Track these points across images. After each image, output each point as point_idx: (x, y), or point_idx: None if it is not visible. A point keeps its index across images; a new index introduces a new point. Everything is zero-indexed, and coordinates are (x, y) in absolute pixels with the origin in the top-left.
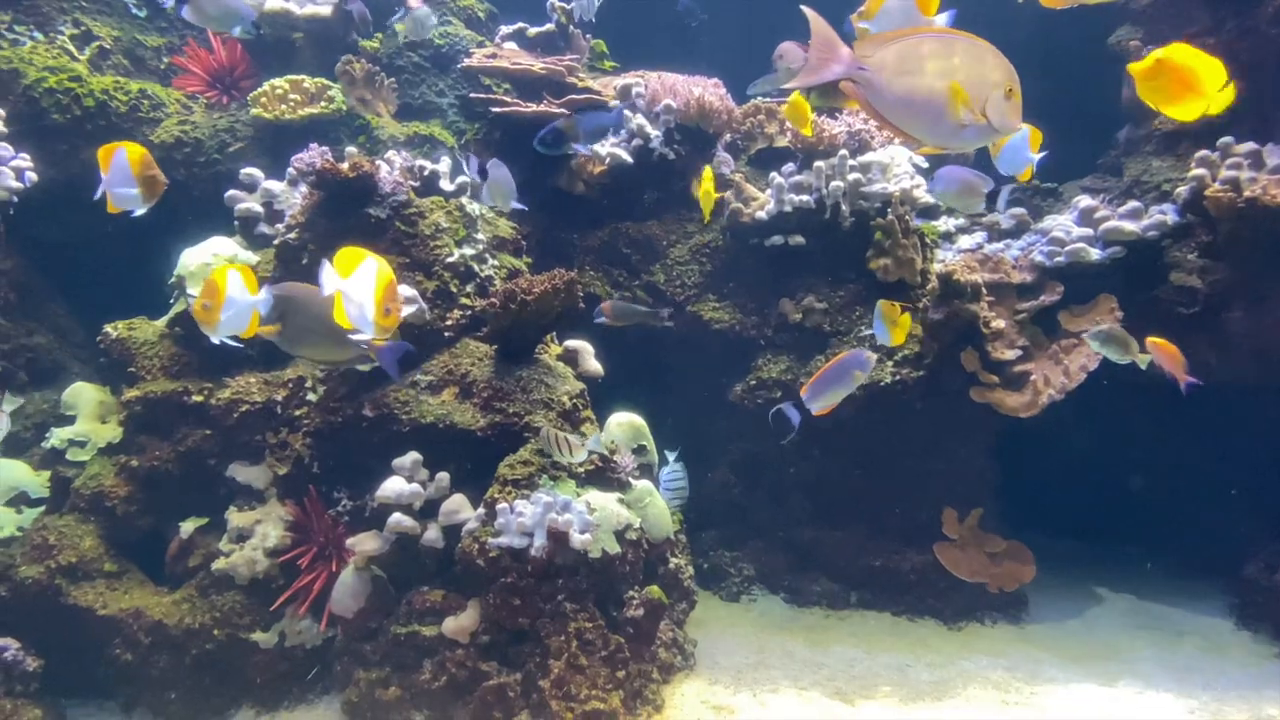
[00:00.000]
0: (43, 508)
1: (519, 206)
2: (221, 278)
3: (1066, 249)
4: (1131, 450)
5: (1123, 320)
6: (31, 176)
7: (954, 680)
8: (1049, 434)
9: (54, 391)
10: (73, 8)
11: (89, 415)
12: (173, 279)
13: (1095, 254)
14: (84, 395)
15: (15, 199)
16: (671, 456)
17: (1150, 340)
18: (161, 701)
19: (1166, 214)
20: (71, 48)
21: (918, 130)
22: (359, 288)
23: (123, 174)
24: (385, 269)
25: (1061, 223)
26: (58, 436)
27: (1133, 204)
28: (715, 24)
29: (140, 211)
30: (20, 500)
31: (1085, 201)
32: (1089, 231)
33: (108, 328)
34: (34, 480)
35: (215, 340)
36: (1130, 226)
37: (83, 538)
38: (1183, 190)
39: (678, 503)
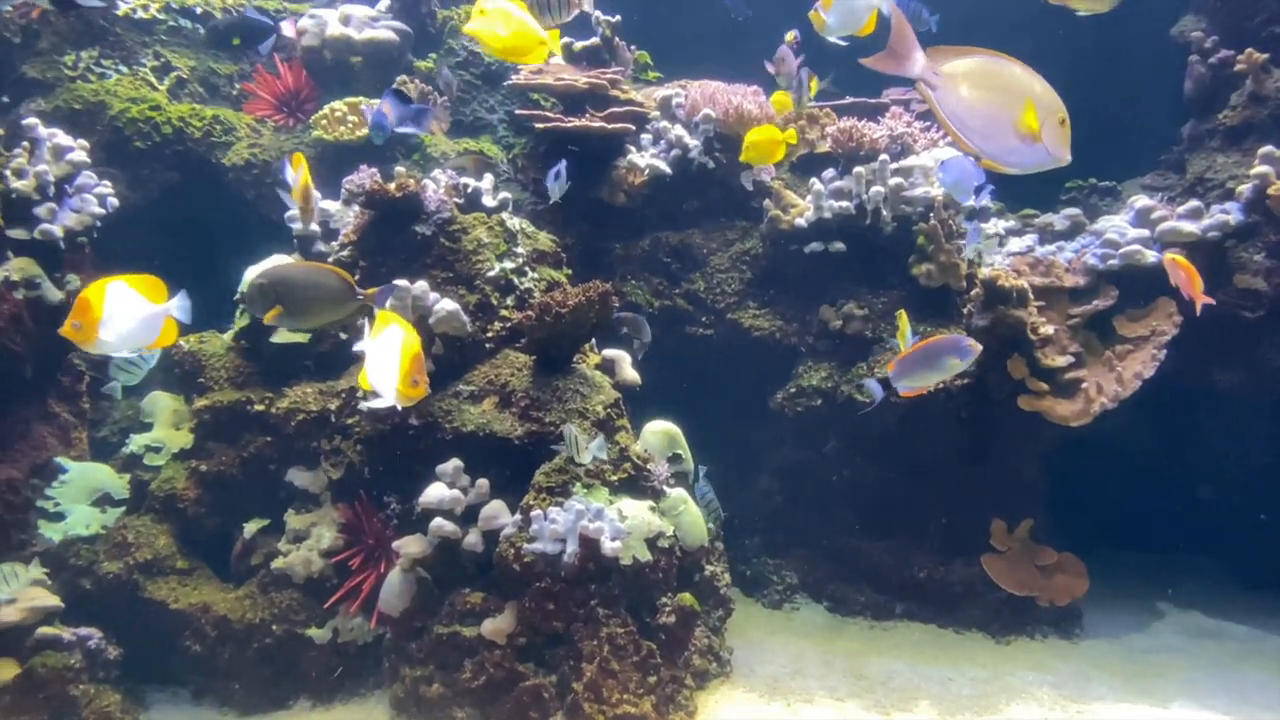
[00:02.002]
0: (124, 508)
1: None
2: (96, 294)
3: (1121, 251)
4: (1200, 458)
5: (1183, 325)
6: (113, 202)
7: (996, 695)
8: (1114, 441)
9: (139, 398)
10: (154, 41)
11: (164, 422)
12: (237, 295)
13: (1152, 256)
14: (160, 403)
15: (99, 223)
16: (702, 473)
17: (1168, 257)
18: (228, 691)
19: (1230, 213)
20: (152, 79)
21: (979, 140)
22: (385, 356)
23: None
24: (413, 341)
25: (1116, 224)
26: (136, 443)
27: (1192, 203)
28: (762, 24)
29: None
30: (105, 501)
31: (1142, 201)
32: (1145, 233)
33: (181, 341)
34: (117, 482)
35: (100, 354)
36: (1189, 227)
37: (157, 537)
38: (1245, 189)
39: (711, 521)
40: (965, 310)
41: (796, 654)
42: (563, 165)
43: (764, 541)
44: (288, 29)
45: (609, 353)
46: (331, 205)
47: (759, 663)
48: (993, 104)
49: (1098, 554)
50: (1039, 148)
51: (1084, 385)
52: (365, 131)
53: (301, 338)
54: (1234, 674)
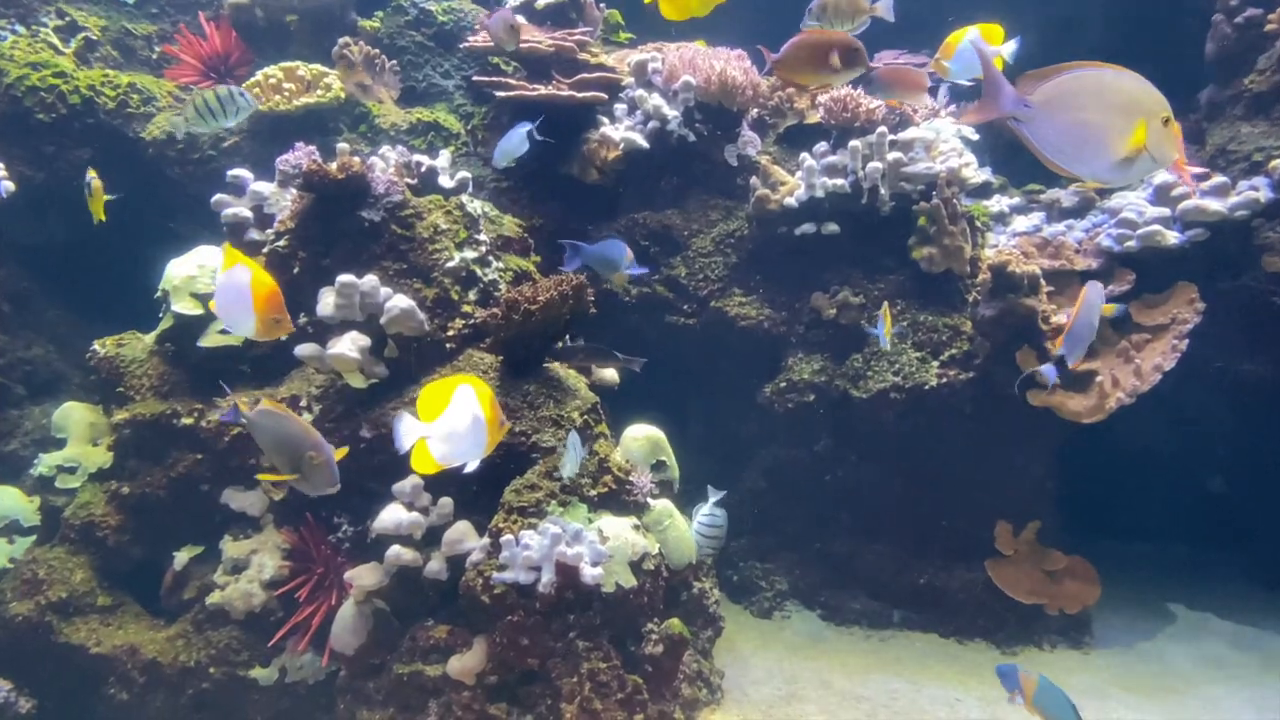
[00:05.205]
0: (33, 538)
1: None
2: None
3: (1139, 232)
4: (1211, 449)
5: (1206, 312)
6: (9, 187)
7: (1010, 718)
8: (1123, 430)
9: (54, 405)
10: None
11: (79, 438)
12: (159, 292)
13: (1173, 237)
14: (74, 416)
15: None
16: (712, 499)
17: None
18: None
19: (1259, 190)
20: (56, 40)
21: (1079, 166)
22: (459, 422)
23: (242, 301)
24: (485, 390)
25: (1133, 201)
26: (46, 463)
27: (1219, 179)
28: None
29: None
30: (11, 530)
31: (1161, 176)
32: (1165, 211)
33: (96, 344)
34: (26, 507)
35: None
36: (1215, 205)
37: (74, 571)
38: (1279, 164)
39: (710, 552)
40: (970, 298)
41: (791, 673)
42: (522, 128)
43: (752, 544)
44: None
45: None
46: (265, 187)
47: (751, 684)
48: (1091, 124)
49: (1099, 546)
50: (1144, 157)
51: (1098, 378)
52: (304, 100)
53: (235, 340)
54: (1258, 686)
